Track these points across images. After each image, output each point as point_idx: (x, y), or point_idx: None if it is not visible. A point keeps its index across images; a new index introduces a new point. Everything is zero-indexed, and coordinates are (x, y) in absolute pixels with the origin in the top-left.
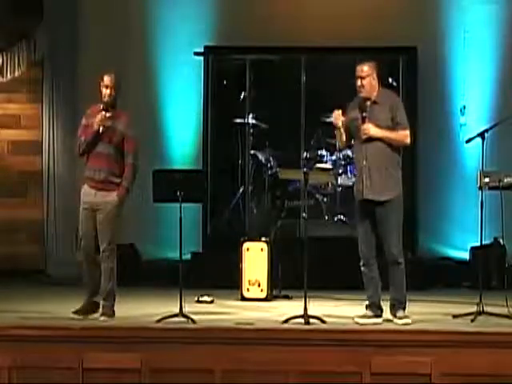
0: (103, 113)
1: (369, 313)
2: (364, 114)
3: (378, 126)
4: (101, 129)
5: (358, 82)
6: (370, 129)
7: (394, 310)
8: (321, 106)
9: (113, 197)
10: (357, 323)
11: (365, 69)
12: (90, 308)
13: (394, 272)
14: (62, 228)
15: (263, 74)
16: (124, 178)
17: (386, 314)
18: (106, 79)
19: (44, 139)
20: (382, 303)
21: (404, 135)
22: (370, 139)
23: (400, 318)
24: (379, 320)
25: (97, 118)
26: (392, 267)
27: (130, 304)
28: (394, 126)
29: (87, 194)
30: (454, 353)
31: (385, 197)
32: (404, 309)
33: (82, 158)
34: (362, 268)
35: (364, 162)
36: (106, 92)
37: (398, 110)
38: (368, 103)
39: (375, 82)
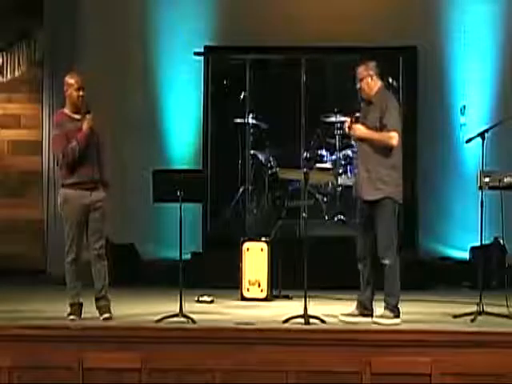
0: (89, 116)
1: (356, 311)
2: (357, 115)
3: (365, 126)
4: (91, 132)
5: (357, 85)
6: (356, 130)
7: (384, 308)
8: (321, 106)
9: (103, 194)
10: (341, 321)
11: (360, 70)
12: (81, 309)
13: (384, 272)
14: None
15: (263, 74)
16: (105, 173)
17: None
18: (79, 80)
19: (44, 139)
20: (372, 304)
21: (388, 137)
22: (360, 140)
23: (381, 317)
24: (364, 320)
25: (87, 123)
26: (383, 267)
27: (129, 304)
28: (380, 128)
29: (81, 196)
30: (453, 353)
31: (371, 197)
32: (391, 310)
33: (68, 165)
34: (358, 265)
35: (356, 162)
36: (81, 94)
37: (386, 111)
38: (364, 104)
39: (374, 83)
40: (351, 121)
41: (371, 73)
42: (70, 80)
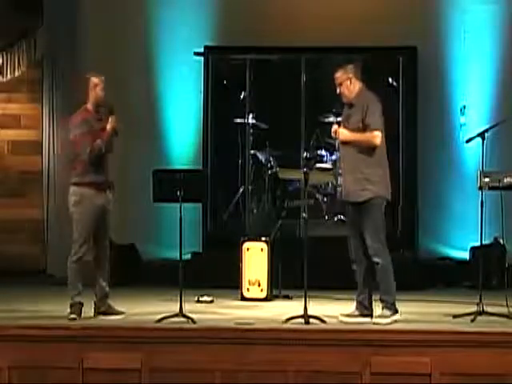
0: (113, 117)
1: (356, 312)
2: (338, 119)
3: (347, 129)
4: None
5: (337, 90)
6: (339, 133)
7: (382, 308)
8: (321, 106)
9: (111, 195)
10: (341, 321)
11: (338, 75)
12: (81, 308)
13: (376, 271)
14: (62, 228)
15: (263, 74)
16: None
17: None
18: (102, 81)
19: (44, 139)
20: (372, 304)
21: (371, 136)
22: (344, 142)
23: (380, 317)
24: (364, 320)
25: (112, 123)
26: (375, 266)
27: (130, 304)
28: (363, 128)
29: (95, 196)
30: (453, 353)
31: (359, 198)
32: (389, 309)
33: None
34: (353, 266)
35: (340, 165)
36: (104, 94)
37: (368, 111)
38: (346, 107)
39: (353, 86)
40: (338, 125)
41: (350, 76)
42: (96, 80)
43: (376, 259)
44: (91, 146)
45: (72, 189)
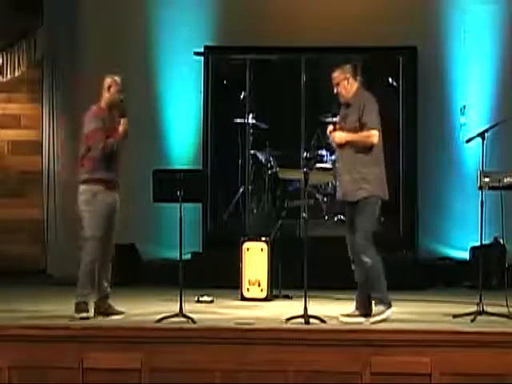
0: (125, 120)
1: (356, 312)
2: (333, 120)
3: (344, 129)
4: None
5: (334, 90)
6: (336, 137)
7: (375, 305)
8: (321, 106)
9: (117, 194)
10: (341, 321)
11: (336, 75)
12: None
13: (367, 270)
14: (62, 228)
15: (263, 74)
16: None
17: None
18: (118, 82)
19: (44, 139)
20: (371, 303)
21: (367, 135)
22: (341, 144)
23: (376, 315)
24: (364, 320)
25: (124, 125)
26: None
27: (130, 304)
28: (360, 127)
29: (105, 194)
30: (453, 353)
31: (355, 197)
32: (383, 304)
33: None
34: (352, 266)
35: (337, 165)
36: (122, 97)
37: (365, 110)
38: (343, 107)
39: (350, 86)
40: (334, 128)
41: (347, 76)
42: (115, 81)
43: (364, 258)
44: (104, 142)
45: (82, 187)
